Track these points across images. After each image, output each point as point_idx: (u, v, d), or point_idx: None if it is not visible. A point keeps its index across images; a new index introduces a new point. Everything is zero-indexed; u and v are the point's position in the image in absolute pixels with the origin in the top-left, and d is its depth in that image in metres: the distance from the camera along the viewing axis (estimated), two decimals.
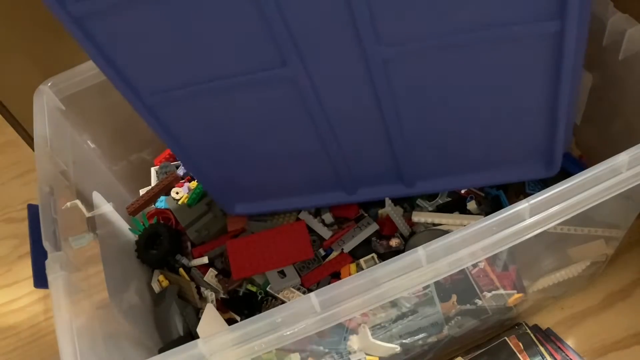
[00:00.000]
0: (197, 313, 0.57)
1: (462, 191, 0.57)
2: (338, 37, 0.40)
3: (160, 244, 0.61)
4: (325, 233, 0.58)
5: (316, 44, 0.41)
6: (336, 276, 0.56)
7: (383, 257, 0.56)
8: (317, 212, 0.60)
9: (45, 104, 0.55)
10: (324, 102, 0.45)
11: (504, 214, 0.37)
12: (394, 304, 0.47)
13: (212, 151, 0.52)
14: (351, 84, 0.44)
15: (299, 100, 0.45)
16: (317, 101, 0.45)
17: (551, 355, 0.53)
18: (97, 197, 0.57)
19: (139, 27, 0.40)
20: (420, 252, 0.37)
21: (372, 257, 0.55)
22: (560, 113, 0.44)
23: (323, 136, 0.48)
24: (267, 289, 0.56)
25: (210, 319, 0.55)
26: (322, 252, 0.58)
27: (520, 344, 0.54)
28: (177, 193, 0.64)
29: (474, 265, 0.48)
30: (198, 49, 0.42)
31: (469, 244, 0.37)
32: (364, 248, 0.57)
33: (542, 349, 0.54)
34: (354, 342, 0.49)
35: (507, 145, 0.49)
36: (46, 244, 0.44)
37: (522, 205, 0.37)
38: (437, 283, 0.47)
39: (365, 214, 0.59)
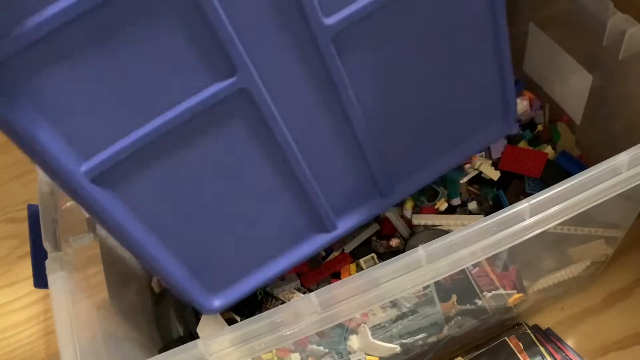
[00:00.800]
0: (197, 313, 0.57)
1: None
2: (282, 23, 0.37)
3: None
4: None
5: (262, 40, 0.37)
6: (336, 276, 0.56)
7: (383, 257, 0.56)
8: None
9: None
10: (280, 111, 0.41)
11: (504, 214, 0.37)
12: (394, 304, 0.47)
13: (170, 229, 0.43)
14: (305, 78, 0.41)
15: (257, 122, 0.40)
16: (276, 112, 0.41)
17: (551, 355, 0.53)
18: None
19: (56, 82, 0.34)
20: (420, 252, 0.37)
21: (372, 257, 0.55)
22: (504, 54, 0.45)
23: (289, 160, 0.43)
24: (267, 289, 0.56)
25: (210, 319, 0.55)
26: (322, 252, 0.58)
27: (520, 344, 0.54)
28: None
29: (474, 265, 0.48)
30: (133, 81, 0.35)
31: (469, 244, 0.37)
32: (364, 248, 0.57)
33: (542, 349, 0.54)
34: (354, 342, 0.49)
35: (467, 109, 0.49)
36: (46, 244, 0.44)
37: (522, 205, 0.37)
38: (437, 283, 0.47)
39: None
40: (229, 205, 0.44)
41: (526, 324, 0.56)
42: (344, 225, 0.50)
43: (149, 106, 0.37)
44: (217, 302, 0.48)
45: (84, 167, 0.37)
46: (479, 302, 0.51)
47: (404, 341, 0.51)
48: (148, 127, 0.37)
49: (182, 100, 0.37)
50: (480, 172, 0.58)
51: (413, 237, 0.55)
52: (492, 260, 0.49)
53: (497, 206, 0.57)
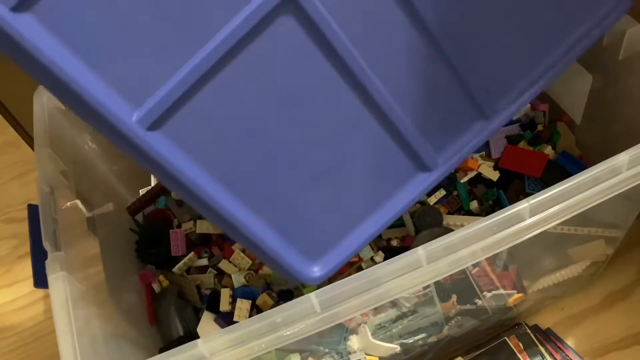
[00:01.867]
0: (197, 313, 0.57)
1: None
2: None
3: (160, 244, 0.61)
4: None
5: None
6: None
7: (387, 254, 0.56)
8: None
9: (45, 104, 0.55)
10: (342, 24, 0.35)
11: (504, 214, 0.37)
12: (394, 304, 0.47)
13: (248, 181, 0.38)
14: None
15: (316, 39, 0.35)
16: (334, 22, 0.35)
17: (551, 355, 0.54)
18: (97, 197, 0.57)
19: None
20: (420, 252, 0.37)
21: (372, 257, 0.55)
22: None
23: (362, 83, 0.37)
24: None
25: (210, 319, 0.55)
26: None
27: (520, 344, 0.54)
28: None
29: (474, 265, 0.48)
30: (171, 4, 0.31)
31: (469, 244, 0.37)
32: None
33: (542, 349, 0.54)
34: (354, 342, 0.49)
35: None
36: (46, 244, 0.44)
37: (522, 205, 0.37)
38: (437, 283, 0.47)
39: None
40: (308, 144, 0.38)
41: (526, 324, 0.56)
42: (447, 160, 0.43)
43: (194, 32, 0.32)
44: (318, 271, 0.42)
45: (136, 116, 0.33)
46: (479, 302, 0.51)
47: (404, 341, 0.51)
48: (198, 57, 0.33)
49: (227, 20, 0.33)
50: (480, 173, 0.58)
51: (415, 237, 0.55)
52: (492, 260, 0.49)
53: (497, 206, 0.57)
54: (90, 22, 0.30)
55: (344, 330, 0.48)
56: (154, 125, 0.34)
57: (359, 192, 0.42)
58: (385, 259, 0.54)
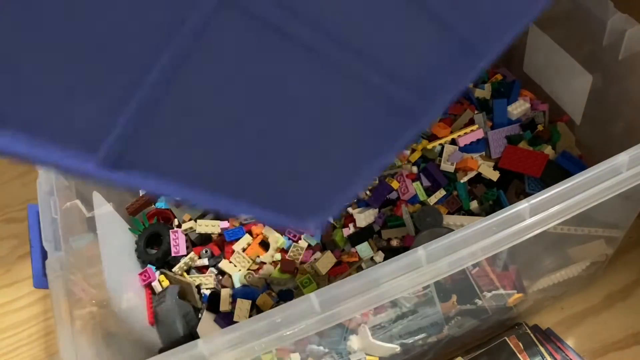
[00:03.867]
0: (197, 313, 0.57)
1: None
2: None
3: (160, 244, 0.61)
4: None
5: None
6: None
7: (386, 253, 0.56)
8: None
9: None
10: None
11: (504, 214, 0.37)
12: (394, 304, 0.47)
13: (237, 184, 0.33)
14: None
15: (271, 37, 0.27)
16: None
17: (551, 355, 0.54)
18: (97, 197, 0.57)
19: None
20: (420, 252, 0.37)
21: (372, 257, 0.55)
22: None
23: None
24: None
25: (210, 319, 0.55)
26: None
27: (520, 344, 0.54)
28: None
29: (474, 265, 0.48)
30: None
31: (469, 244, 0.37)
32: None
33: (542, 349, 0.54)
34: (354, 342, 0.49)
35: None
36: (46, 244, 0.44)
37: (522, 205, 0.37)
38: (437, 283, 0.47)
39: None
40: (288, 131, 0.32)
41: (526, 324, 0.56)
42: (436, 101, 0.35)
43: (135, 59, 0.26)
44: (313, 222, 0.38)
45: (94, 161, 0.28)
46: (479, 302, 0.51)
47: (404, 341, 0.51)
48: (145, 86, 0.27)
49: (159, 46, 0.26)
50: (480, 173, 0.58)
51: (415, 237, 0.55)
52: (492, 260, 0.49)
53: (497, 206, 0.57)
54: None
55: (344, 330, 0.48)
56: (120, 162, 0.29)
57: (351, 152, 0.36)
58: (385, 259, 0.55)
